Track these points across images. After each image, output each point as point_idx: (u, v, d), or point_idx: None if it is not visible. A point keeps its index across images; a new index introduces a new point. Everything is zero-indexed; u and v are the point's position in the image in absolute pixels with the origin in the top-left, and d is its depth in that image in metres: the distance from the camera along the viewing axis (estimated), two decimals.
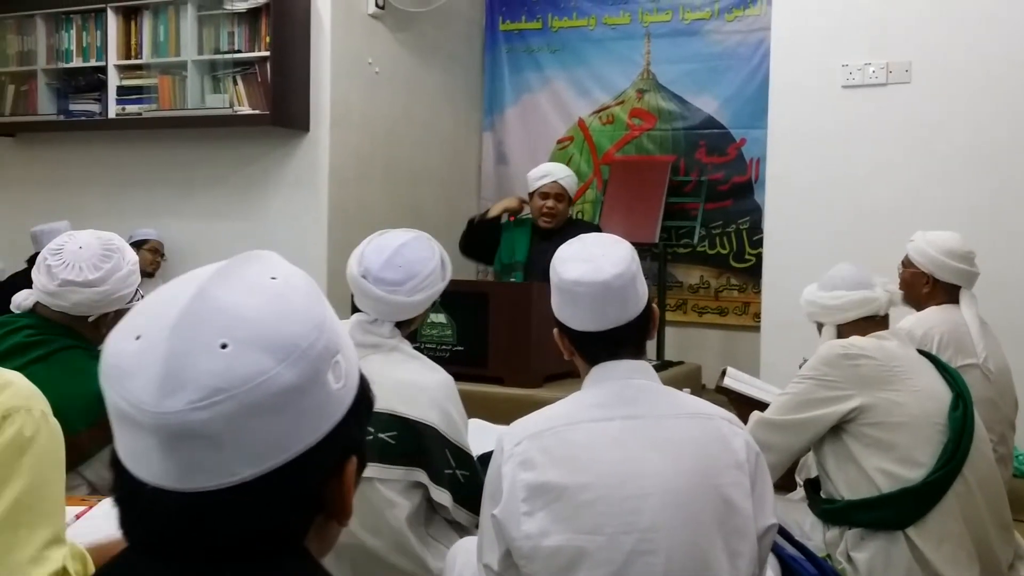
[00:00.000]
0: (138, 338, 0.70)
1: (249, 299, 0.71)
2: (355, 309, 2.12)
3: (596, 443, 1.55)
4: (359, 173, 4.78)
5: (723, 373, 2.98)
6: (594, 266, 1.61)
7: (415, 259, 2.06)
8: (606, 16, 5.51)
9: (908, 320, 2.96)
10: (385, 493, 1.99)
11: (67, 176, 5.14)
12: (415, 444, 2.00)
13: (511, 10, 5.75)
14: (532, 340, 3.37)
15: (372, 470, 1.97)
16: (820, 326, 2.56)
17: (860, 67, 3.98)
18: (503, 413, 2.28)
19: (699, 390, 3.93)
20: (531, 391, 3.31)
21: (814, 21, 4.07)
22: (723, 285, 5.30)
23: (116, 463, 0.72)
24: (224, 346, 0.68)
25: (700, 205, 5.03)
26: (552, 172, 4.13)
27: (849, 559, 2.27)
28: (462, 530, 2.07)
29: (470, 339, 3.42)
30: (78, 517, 1.83)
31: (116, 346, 0.71)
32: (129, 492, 0.70)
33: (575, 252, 1.66)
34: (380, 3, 4.82)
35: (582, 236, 1.72)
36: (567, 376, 3.30)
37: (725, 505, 1.52)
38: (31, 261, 4.40)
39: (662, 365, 4.05)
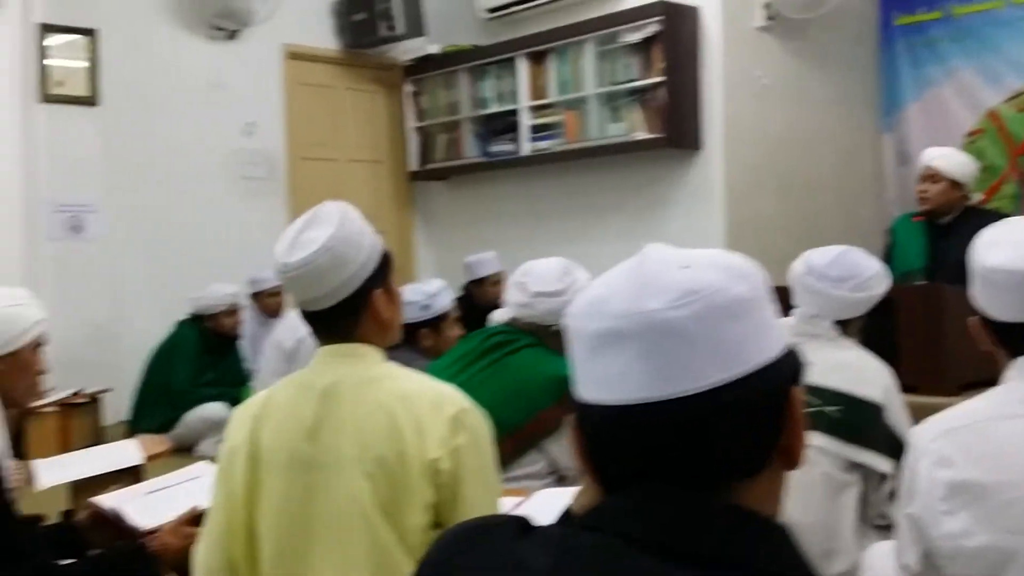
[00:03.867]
0: (606, 285, 0.84)
1: (688, 253, 0.84)
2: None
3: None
4: (752, 186, 4.84)
5: None
6: (1023, 252, 1.50)
7: (858, 261, 2.21)
8: None
9: None
10: (829, 468, 2.02)
11: (489, 211, 5.78)
12: (860, 421, 2.05)
13: (906, 3, 5.47)
14: (946, 346, 3.21)
15: (820, 440, 2.02)
16: None
17: None
18: (918, 422, 2.23)
19: None
20: (947, 399, 3.14)
21: None
22: None
23: (585, 413, 0.82)
24: (685, 267, 0.81)
25: None
26: (925, 156, 3.91)
27: None
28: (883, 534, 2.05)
29: (877, 346, 3.32)
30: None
31: (591, 293, 0.84)
32: (604, 423, 0.80)
33: (1001, 235, 1.54)
34: (770, 15, 4.86)
35: (1012, 219, 1.60)
36: (987, 384, 3.08)
37: None
38: (466, 288, 5.00)
39: None
